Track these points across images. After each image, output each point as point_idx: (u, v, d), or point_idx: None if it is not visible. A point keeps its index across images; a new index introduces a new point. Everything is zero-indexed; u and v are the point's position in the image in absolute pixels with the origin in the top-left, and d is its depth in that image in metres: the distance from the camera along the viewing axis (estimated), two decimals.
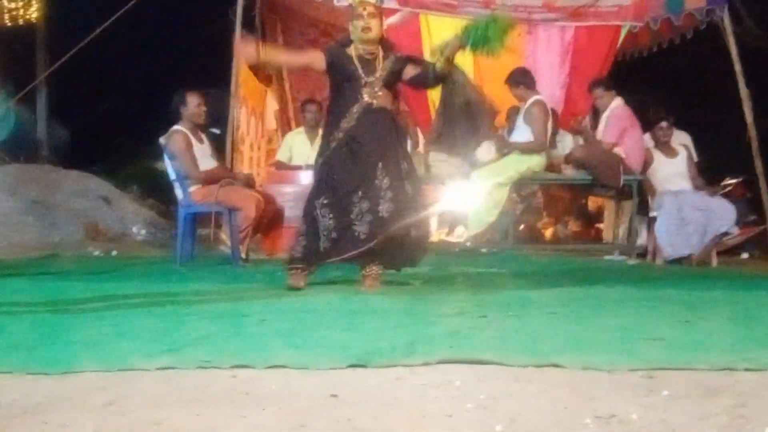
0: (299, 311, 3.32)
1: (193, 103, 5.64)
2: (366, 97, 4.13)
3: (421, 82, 4.43)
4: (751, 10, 10.04)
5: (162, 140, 5.63)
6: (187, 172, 5.52)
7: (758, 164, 7.17)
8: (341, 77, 4.23)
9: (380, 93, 4.16)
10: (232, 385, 2.07)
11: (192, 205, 5.61)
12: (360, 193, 4.07)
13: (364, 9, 4.12)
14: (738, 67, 7.30)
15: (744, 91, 7.27)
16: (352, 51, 4.21)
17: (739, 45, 7.56)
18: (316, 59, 4.31)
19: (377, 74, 4.17)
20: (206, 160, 5.69)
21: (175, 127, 5.60)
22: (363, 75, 4.14)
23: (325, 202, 4.10)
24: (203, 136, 5.78)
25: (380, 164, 4.12)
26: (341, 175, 4.13)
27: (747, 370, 2.23)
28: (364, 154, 4.13)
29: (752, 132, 7.22)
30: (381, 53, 4.24)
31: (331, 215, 4.08)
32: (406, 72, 4.30)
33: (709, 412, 1.83)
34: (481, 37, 4.21)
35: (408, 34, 7.54)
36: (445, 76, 4.32)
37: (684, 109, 7.79)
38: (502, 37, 4.27)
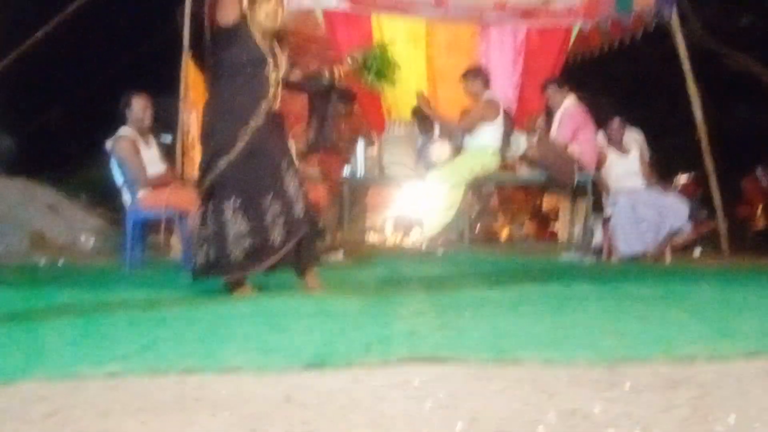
0: (252, 315, 3.22)
1: (138, 106, 5.50)
2: (271, 93, 3.91)
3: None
4: (698, 12, 10.26)
5: (108, 144, 5.47)
6: (134, 176, 5.37)
7: (708, 162, 7.27)
8: (248, 59, 3.86)
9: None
10: (181, 391, 1.98)
11: (141, 211, 5.46)
12: (272, 194, 3.85)
13: None
14: (686, 67, 7.41)
15: (693, 90, 7.38)
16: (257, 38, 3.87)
17: (688, 45, 7.68)
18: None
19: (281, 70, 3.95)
20: (155, 165, 5.56)
21: (121, 131, 5.45)
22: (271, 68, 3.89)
23: (237, 205, 3.82)
24: (151, 139, 5.64)
25: (283, 163, 3.95)
26: (251, 175, 3.87)
27: (707, 361, 2.22)
28: (270, 152, 3.93)
29: (701, 130, 7.33)
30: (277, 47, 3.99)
31: (245, 219, 3.83)
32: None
33: (672, 403, 1.81)
34: (371, 69, 4.19)
35: (361, 35, 7.50)
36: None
37: (635, 108, 7.88)
38: (387, 71, 4.29)
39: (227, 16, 3.78)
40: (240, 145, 3.80)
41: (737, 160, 9.82)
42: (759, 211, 10.33)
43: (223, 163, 3.80)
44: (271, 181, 3.88)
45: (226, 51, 3.83)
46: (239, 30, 3.80)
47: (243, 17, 3.80)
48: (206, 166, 3.89)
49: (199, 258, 3.91)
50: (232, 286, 3.95)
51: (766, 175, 10.41)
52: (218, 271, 3.94)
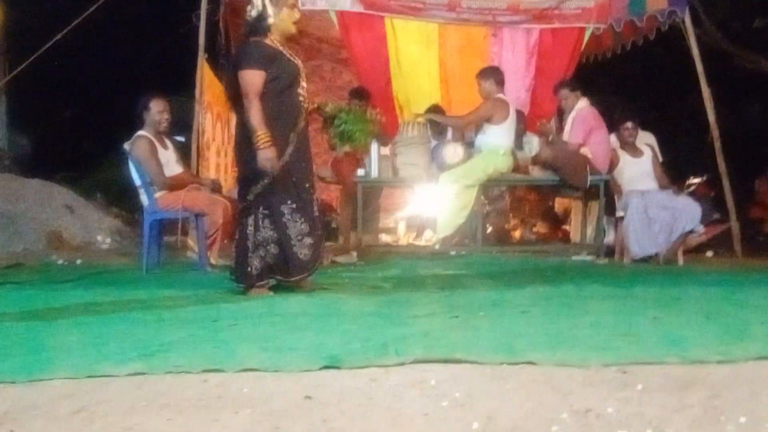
0: (270, 315, 3.28)
1: (156, 110, 5.57)
2: (302, 98, 4.07)
3: None
4: (711, 13, 10.25)
5: (126, 146, 5.54)
6: (152, 177, 5.44)
7: (721, 163, 7.27)
8: (287, 76, 4.00)
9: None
10: (203, 390, 2.03)
11: (158, 212, 5.52)
12: (315, 193, 4.13)
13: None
14: (700, 68, 7.39)
15: (706, 92, 7.37)
16: (276, 45, 4.01)
17: (700, 46, 7.67)
18: (258, 82, 3.90)
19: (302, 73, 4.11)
20: (172, 166, 5.63)
21: (139, 132, 5.52)
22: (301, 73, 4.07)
23: (294, 206, 3.97)
24: (168, 142, 5.71)
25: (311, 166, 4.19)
26: (300, 177, 4.03)
27: (719, 363, 2.25)
28: (309, 153, 4.16)
29: (715, 132, 7.32)
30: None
31: (302, 219, 3.98)
32: None
33: (684, 404, 1.84)
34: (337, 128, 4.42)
35: (374, 37, 7.54)
36: None
37: (648, 110, 7.89)
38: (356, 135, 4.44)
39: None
40: (291, 148, 3.94)
41: (750, 161, 9.79)
42: None
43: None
44: (313, 180, 4.11)
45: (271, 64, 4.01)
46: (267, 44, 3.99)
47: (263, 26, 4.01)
48: (257, 172, 3.91)
49: (256, 262, 3.97)
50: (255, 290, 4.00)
51: None
52: (284, 274, 4.05)
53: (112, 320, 3.21)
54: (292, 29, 4.03)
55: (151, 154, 5.43)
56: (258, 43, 3.97)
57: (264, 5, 3.95)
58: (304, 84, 4.09)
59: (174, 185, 5.50)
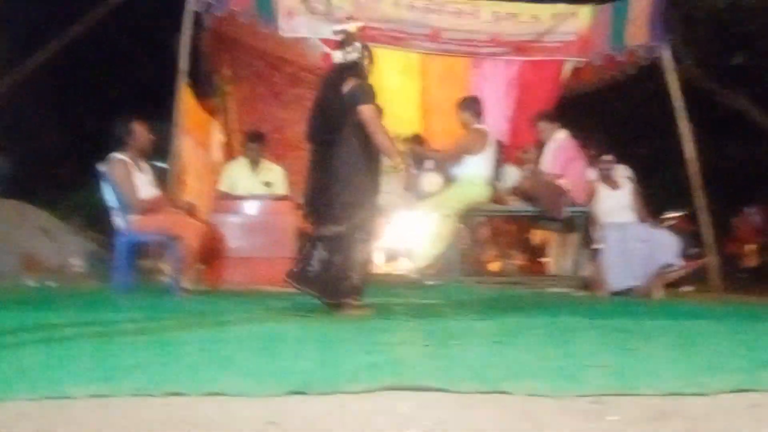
0: (241, 340, 3.21)
1: (140, 132, 5.53)
2: None
3: None
4: (690, 49, 10.39)
5: (102, 168, 5.47)
6: (127, 199, 5.37)
7: (699, 198, 7.31)
8: None
9: None
10: (166, 413, 1.97)
11: (132, 234, 5.44)
12: None
13: None
14: (678, 104, 7.48)
15: (684, 127, 7.45)
16: None
17: (680, 83, 7.76)
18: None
19: None
20: (148, 189, 5.56)
21: (116, 155, 5.46)
22: None
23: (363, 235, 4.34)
24: (144, 165, 5.65)
25: None
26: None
27: (695, 394, 2.22)
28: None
29: (693, 167, 7.38)
30: None
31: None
32: None
33: None
34: None
35: None
36: None
37: (628, 144, 7.94)
38: None
39: None
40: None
41: (728, 197, 9.89)
42: (749, 248, 10.39)
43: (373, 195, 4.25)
44: None
45: None
46: None
47: None
48: (364, 198, 4.25)
49: (352, 282, 4.20)
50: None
51: (757, 212, 10.49)
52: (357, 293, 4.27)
53: (78, 342, 3.12)
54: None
55: (126, 177, 5.37)
56: (368, 83, 4.39)
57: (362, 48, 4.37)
58: None
59: (149, 208, 5.43)
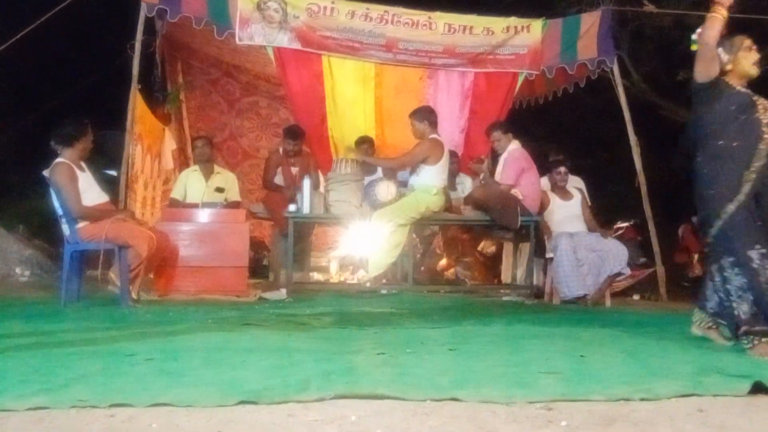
0: (190, 350, 3.15)
1: (91, 136, 5.42)
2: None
3: None
4: (638, 65, 10.63)
5: (46, 173, 5.33)
6: (70, 206, 5.23)
7: (647, 209, 7.46)
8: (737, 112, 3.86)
9: None
10: (109, 425, 1.92)
11: (79, 242, 5.32)
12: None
13: (753, 42, 3.93)
14: (627, 116, 7.64)
15: (633, 139, 7.60)
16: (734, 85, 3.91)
17: (629, 96, 7.92)
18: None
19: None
20: (92, 190, 5.40)
21: (59, 159, 5.31)
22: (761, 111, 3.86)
23: (763, 251, 3.65)
24: (84, 166, 5.48)
25: None
26: (758, 220, 3.76)
27: (642, 400, 2.25)
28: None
29: (641, 178, 7.53)
30: None
31: None
32: None
33: None
34: None
35: (311, 74, 7.54)
36: None
37: (578, 155, 8.07)
38: None
39: (708, 73, 3.85)
40: (747, 187, 3.74)
41: (676, 208, 10.08)
42: (695, 258, 10.61)
43: (731, 207, 3.72)
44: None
45: (711, 104, 3.88)
46: (719, 83, 3.87)
47: (722, 72, 3.88)
48: (710, 215, 3.81)
49: (744, 307, 3.65)
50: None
51: None
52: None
53: (20, 353, 3.03)
54: (752, 71, 3.91)
55: (71, 181, 5.22)
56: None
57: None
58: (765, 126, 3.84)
59: (92, 215, 5.30)
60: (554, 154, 7.24)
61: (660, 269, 7.31)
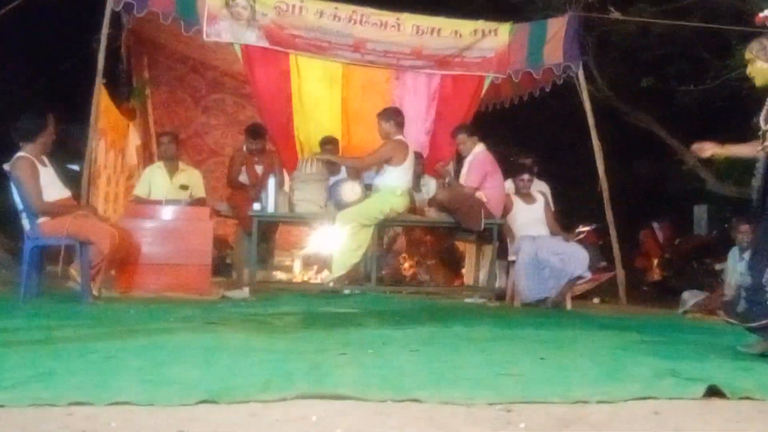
0: (151, 349, 3.12)
1: (52, 129, 5.33)
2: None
3: None
4: (603, 71, 10.76)
5: (6, 167, 5.23)
6: (31, 201, 5.15)
7: (609, 213, 7.57)
8: None
9: None
10: (67, 423, 1.90)
11: (40, 238, 5.24)
12: None
13: None
14: (591, 122, 7.73)
15: (596, 145, 7.70)
16: None
17: (593, 102, 8.03)
18: None
19: None
20: (54, 186, 5.32)
21: (21, 153, 5.22)
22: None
23: None
24: (45, 160, 5.40)
25: None
26: None
27: (600, 402, 2.29)
28: None
29: (604, 183, 7.63)
30: None
31: None
32: None
33: None
34: None
35: (278, 72, 7.52)
36: None
37: (543, 159, 8.13)
38: None
39: None
40: None
41: (637, 213, 10.26)
42: (655, 262, 10.80)
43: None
44: None
45: None
46: None
47: None
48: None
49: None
50: None
51: (662, 228, 10.92)
52: None
53: None
54: None
55: (32, 177, 5.14)
56: None
57: None
58: None
59: (52, 211, 5.23)
60: (524, 157, 7.29)
61: (620, 273, 7.42)
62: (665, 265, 10.63)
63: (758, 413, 2.31)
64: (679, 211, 11.89)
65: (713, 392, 2.47)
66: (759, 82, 3.81)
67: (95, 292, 5.31)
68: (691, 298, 6.68)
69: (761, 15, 3.85)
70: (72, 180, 6.17)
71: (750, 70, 3.83)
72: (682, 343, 4.12)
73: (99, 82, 6.93)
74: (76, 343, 3.24)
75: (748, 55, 3.81)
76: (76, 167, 7.57)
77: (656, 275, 10.65)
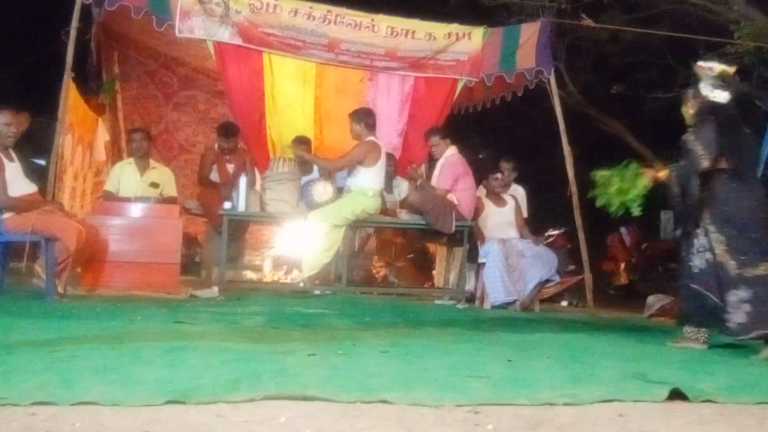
0: (117, 348, 3.09)
1: (3, 121, 5.21)
2: None
3: None
4: (574, 78, 10.88)
5: None
6: None
7: (578, 218, 7.63)
8: None
9: None
10: (30, 423, 1.87)
11: (3, 233, 5.15)
12: None
13: None
14: (562, 126, 7.79)
15: (566, 149, 7.76)
16: None
17: (564, 107, 8.09)
18: None
19: None
20: (20, 181, 5.24)
21: None
22: None
23: None
24: (13, 154, 5.32)
25: None
26: None
27: (566, 404, 2.31)
28: None
29: (573, 187, 7.70)
30: None
31: None
32: None
33: None
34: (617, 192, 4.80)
35: (251, 70, 7.48)
36: None
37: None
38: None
39: None
40: None
41: (605, 217, 10.34)
42: (622, 266, 10.93)
43: None
44: None
45: None
46: None
47: None
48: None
49: None
50: None
51: (630, 233, 11.05)
52: None
53: None
54: None
55: None
56: None
57: None
58: None
59: (21, 206, 5.15)
60: (505, 162, 7.32)
61: (588, 277, 7.49)
62: (632, 269, 10.76)
63: (719, 416, 2.35)
64: (646, 217, 12.03)
65: (676, 395, 2.51)
66: (687, 120, 4.45)
67: (60, 290, 5.24)
68: (656, 302, 6.75)
69: (700, 63, 4.35)
70: (38, 174, 6.07)
71: (683, 110, 4.48)
72: (647, 346, 4.18)
73: (68, 75, 6.83)
74: (40, 341, 3.19)
75: (683, 98, 4.49)
76: (42, 161, 7.46)
77: (623, 279, 10.79)
